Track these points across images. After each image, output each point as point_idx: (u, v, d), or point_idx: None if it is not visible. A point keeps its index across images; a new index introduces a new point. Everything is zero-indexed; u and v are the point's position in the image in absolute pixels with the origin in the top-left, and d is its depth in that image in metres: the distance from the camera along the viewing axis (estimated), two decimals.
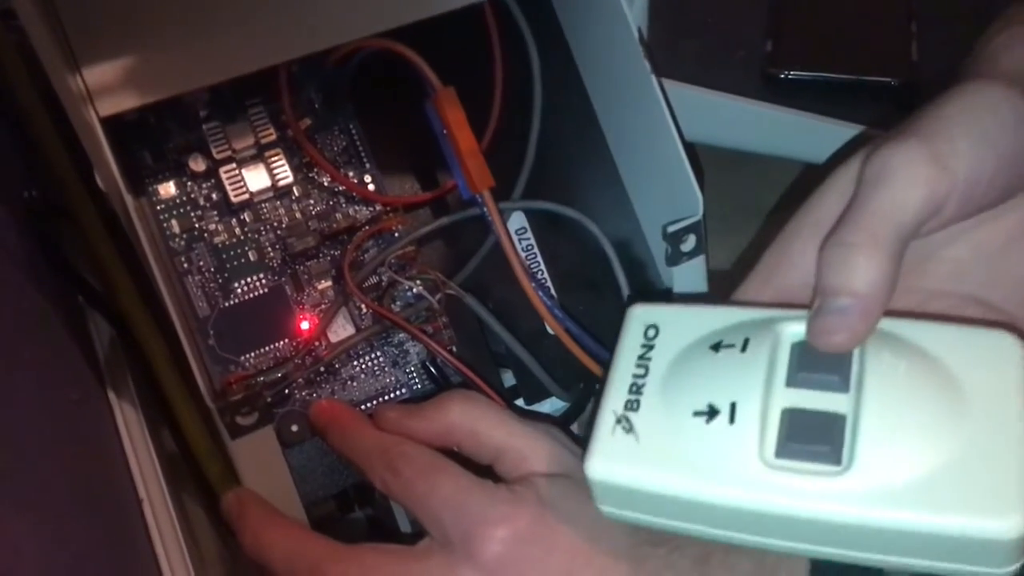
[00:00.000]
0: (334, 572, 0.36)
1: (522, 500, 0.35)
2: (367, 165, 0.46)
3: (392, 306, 0.44)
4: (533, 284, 0.43)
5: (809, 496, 0.30)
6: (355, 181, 0.45)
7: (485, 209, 0.42)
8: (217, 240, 0.44)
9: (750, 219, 0.61)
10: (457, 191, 0.44)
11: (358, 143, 0.46)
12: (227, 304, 0.43)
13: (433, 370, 0.44)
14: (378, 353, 0.45)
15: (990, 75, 0.35)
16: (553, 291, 0.46)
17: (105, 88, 0.39)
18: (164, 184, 0.43)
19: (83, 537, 0.42)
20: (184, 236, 0.43)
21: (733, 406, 0.32)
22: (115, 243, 0.51)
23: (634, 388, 0.34)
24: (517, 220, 0.47)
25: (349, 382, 0.44)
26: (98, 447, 0.49)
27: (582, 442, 0.38)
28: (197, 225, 0.43)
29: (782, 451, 0.31)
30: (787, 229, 0.37)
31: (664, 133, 0.43)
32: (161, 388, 0.51)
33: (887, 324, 0.33)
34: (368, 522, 0.54)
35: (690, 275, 0.45)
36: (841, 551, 0.31)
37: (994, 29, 0.39)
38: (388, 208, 0.45)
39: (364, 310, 0.44)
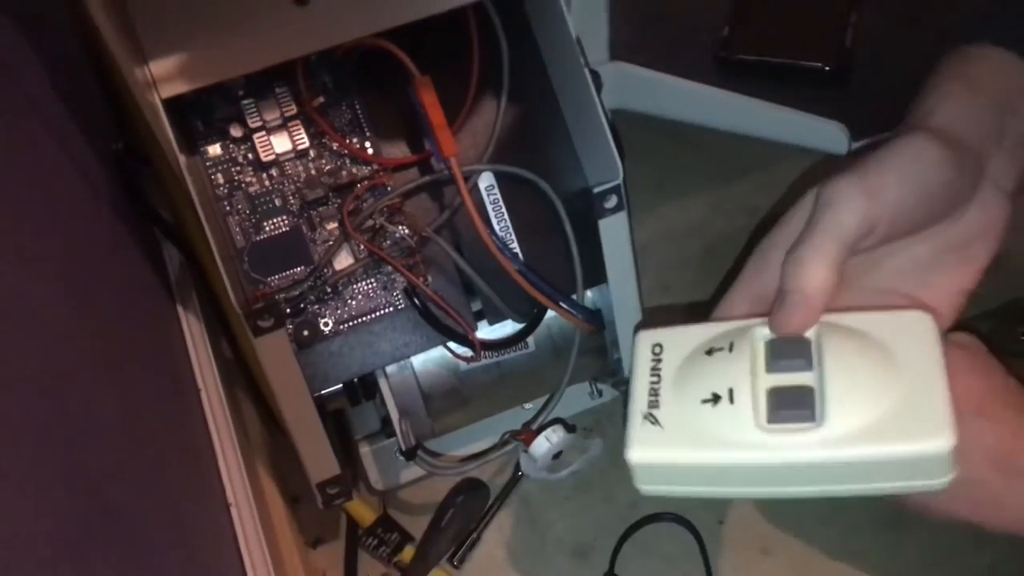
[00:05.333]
0: None
1: None
2: (367, 134, 0.58)
3: (383, 244, 0.57)
4: (488, 229, 0.55)
5: (798, 446, 0.40)
6: (357, 146, 0.58)
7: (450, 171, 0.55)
8: (251, 190, 0.57)
9: (682, 185, 0.70)
10: (434, 156, 0.56)
11: (360, 117, 0.58)
12: (258, 238, 0.57)
13: (413, 297, 0.57)
14: (371, 279, 0.57)
15: (922, 128, 0.45)
16: (515, 236, 0.58)
17: (166, 76, 0.52)
18: (211, 146, 0.57)
19: (152, 410, 0.55)
20: (226, 186, 0.57)
21: (731, 391, 0.42)
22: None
23: (652, 392, 0.44)
24: (487, 179, 0.58)
25: (349, 300, 0.57)
26: (167, 346, 0.63)
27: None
28: (236, 178, 0.57)
29: (772, 418, 0.41)
30: (765, 242, 0.47)
31: (593, 114, 0.54)
32: (220, 303, 0.64)
33: (834, 318, 0.43)
34: (376, 412, 0.67)
35: (614, 227, 0.56)
36: (825, 487, 0.41)
37: (929, 87, 0.48)
38: (382, 168, 0.58)
39: (361, 247, 0.57)
